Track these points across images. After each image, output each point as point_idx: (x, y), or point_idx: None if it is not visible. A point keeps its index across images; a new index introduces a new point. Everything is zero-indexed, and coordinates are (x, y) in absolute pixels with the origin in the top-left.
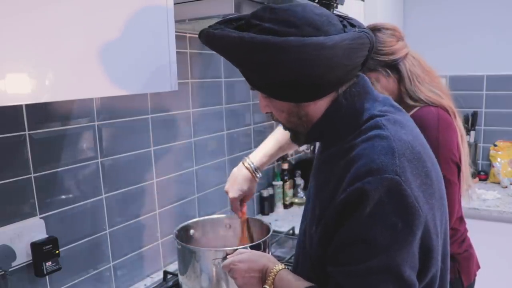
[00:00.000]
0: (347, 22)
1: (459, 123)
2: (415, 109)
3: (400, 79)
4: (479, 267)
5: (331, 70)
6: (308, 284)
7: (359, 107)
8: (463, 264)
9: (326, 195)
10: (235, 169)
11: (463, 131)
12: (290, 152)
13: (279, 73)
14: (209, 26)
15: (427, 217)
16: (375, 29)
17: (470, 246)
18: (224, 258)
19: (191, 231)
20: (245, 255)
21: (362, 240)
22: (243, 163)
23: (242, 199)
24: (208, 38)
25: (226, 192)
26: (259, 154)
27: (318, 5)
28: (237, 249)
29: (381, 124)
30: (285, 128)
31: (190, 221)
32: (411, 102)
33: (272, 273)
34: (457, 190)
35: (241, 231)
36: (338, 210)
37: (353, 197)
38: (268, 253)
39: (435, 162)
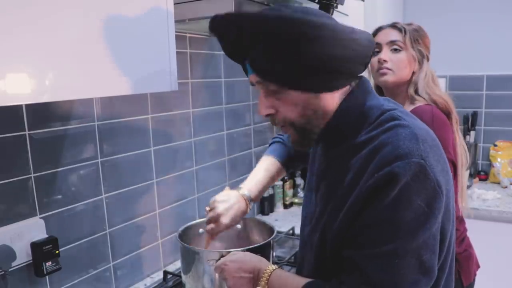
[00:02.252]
0: None
1: (457, 119)
2: (411, 107)
3: (418, 71)
4: (478, 267)
5: (355, 57)
6: (307, 279)
7: (368, 104)
8: (462, 264)
9: (344, 188)
10: (232, 195)
11: (461, 136)
12: (277, 180)
13: (312, 52)
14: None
15: (444, 202)
16: (418, 25)
17: (470, 245)
18: (218, 260)
19: (200, 230)
20: (236, 255)
21: (387, 222)
22: (242, 195)
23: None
24: (237, 17)
25: (218, 216)
26: (256, 188)
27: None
28: (231, 251)
29: (397, 116)
30: (294, 128)
31: (200, 219)
32: (412, 93)
33: (266, 273)
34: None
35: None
36: (364, 196)
37: (382, 181)
38: (273, 254)
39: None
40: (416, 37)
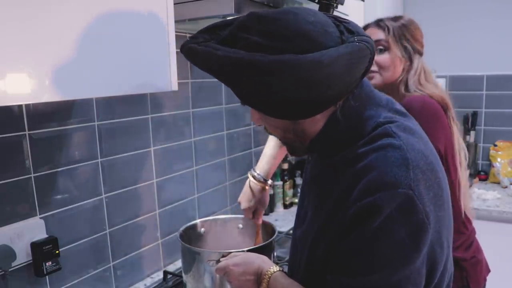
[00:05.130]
0: (344, 27)
1: (453, 117)
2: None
3: (408, 68)
4: (489, 271)
5: (329, 87)
6: None
7: (362, 116)
8: (470, 271)
9: (330, 205)
10: (247, 181)
11: (457, 128)
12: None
13: (271, 93)
14: (192, 37)
15: (435, 231)
16: (408, 19)
17: (479, 250)
18: (218, 260)
19: (202, 230)
20: (239, 258)
21: (366, 253)
22: (249, 175)
23: (257, 209)
24: (191, 54)
25: (239, 203)
26: (262, 162)
27: (313, 9)
28: (231, 252)
29: (391, 132)
30: (281, 142)
31: (201, 219)
32: (403, 91)
33: (267, 276)
34: None
35: (256, 237)
36: (346, 223)
37: (363, 212)
38: (273, 254)
39: (443, 170)
40: (403, 33)
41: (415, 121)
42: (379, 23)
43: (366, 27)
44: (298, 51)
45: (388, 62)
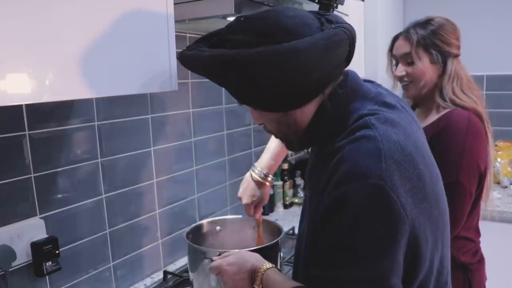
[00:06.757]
0: (325, 19)
1: (489, 129)
2: (446, 110)
3: (442, 72)
4: (486, 279)
5: (310, 73)
6: (296, 284)
7: (348, 108)
8: (475, 273)
9: (317, 197)
10: (247, 175)
11: (492, 144)
12: None
13: (257, 85)
14: (187, 47)
15: (415, 223)
16: (442, 17)
17: (482, 257)
18: (211, 259)
19: (217, 228)
20: (233, 257)
21: (342, 245)
22: (252, 172)
23: (256, 205)
24: (184, 60)
25: (239, 199)
26: (265, 158)
27: (293, 7)
28: (227, 251)
29: (369, 123)
30: (277, 137)
31: (206, 220)
32: (439, 100)
33: (260, 273)
34: (470, 201)
35: (257, 233)
36: (322, 214)
37: (335, 202)
38: (280, 254)
39: (429, 162)
40: (432, 41)
41: (405, 113)
42: (406, 35)
43: (395, 38)
44: (278, 43)
45: (416, 74)
